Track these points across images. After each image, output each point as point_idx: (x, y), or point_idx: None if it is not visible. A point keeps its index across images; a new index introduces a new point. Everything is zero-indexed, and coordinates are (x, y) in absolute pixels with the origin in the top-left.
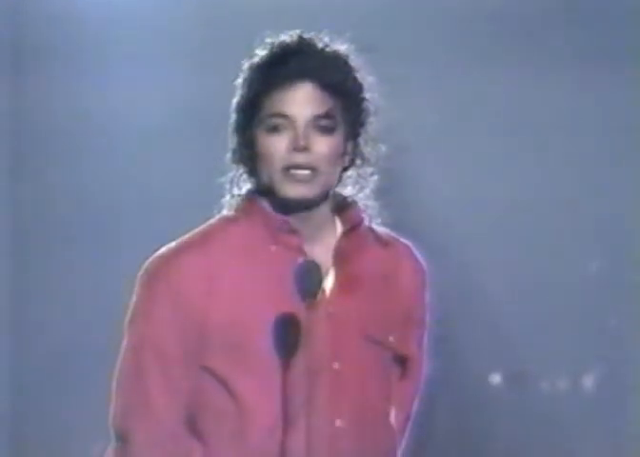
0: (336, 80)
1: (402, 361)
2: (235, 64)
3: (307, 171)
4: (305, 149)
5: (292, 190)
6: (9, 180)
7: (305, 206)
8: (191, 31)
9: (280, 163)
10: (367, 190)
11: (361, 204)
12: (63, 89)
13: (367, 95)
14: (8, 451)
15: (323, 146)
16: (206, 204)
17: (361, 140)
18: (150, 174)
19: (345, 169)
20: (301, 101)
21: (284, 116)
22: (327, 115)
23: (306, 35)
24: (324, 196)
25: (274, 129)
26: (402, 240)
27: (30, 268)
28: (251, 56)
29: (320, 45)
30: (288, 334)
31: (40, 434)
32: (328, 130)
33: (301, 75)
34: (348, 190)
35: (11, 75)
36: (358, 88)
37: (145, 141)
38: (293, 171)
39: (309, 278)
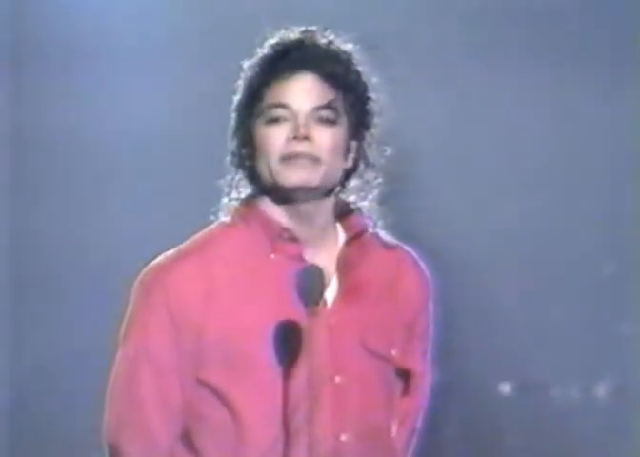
0: (338, 71)
1: (405, 375)
2: (237, 63)
3: (306, 160)
4: (305, 138)
5: (293, 176)
6: (8, 179)
7: (306, 197)
8: (192, 31)
9: (279, 152)
10: (371, 197)
11: (365, 210)
12: (62, 90)
13: (371, 95)
14: (7, 452)
15: (324, 136)
16: (207, 204)
17: (365, 143)
18: (152, 174)
19: (348, 175)
20: (301, 91)
21: (284, 106)
22: (328, 106)
23: (308, 31)
24: (326, 191)
25: (274, 121)
26: (406, 248)
27: (31, 269)
28: (252, 55)
29: (323, 40)
30: (288, 341)
31: (40, 437)
32: (329, 122)
33: (302, 66)
34: (352, 199)
35: (10, 76)
36: (362, 84)
37: (146, 141)
38: (293, 160)
39: (311, 283)
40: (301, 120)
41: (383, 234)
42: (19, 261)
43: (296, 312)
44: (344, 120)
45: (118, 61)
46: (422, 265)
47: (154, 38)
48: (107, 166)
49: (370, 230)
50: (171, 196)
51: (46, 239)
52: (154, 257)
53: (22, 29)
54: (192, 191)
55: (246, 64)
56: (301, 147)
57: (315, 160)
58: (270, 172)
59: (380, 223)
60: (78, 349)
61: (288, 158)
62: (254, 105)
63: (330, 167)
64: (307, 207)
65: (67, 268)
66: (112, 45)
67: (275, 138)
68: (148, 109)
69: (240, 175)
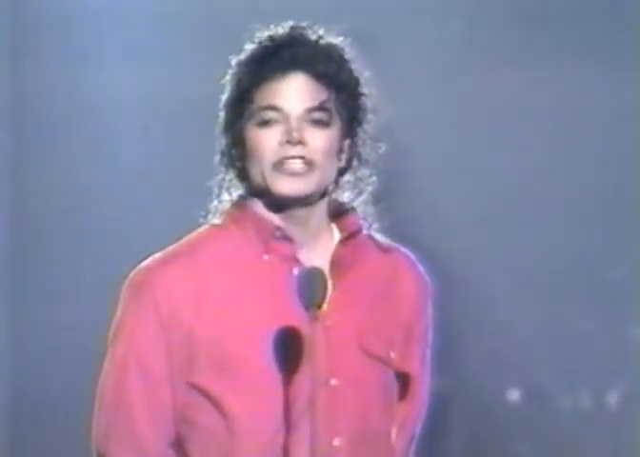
0: (330, 70)
1: (403, 379)
2: (226, 59)
3: (301, 165)
4: (299, 142)
5: (286, 186)
6: (9, 171)
7: (300, 203)
8: (188, 22)
9: (272, 157)
10: (365, 195)
11: (359, 210)
12: (63, 80)
13: (364, 91)
14: (8, 452)
15: (318, 139)
16: (206, 197)
17: (358, 139)
18: (151, 163)
19: (342, 173)
20: (293, 93)
21: (275, 109)
22: (321, 107)
23: (298, 27)
24: (320, 195)
25: (266, 123)
26: (403, 249)
27: (30, 266)
28: (240, 52)
29: (313, 36)
30: (287, 348)
31: (40, 436)
32: (322, 124)
33: (293, 66)
34: (346, 196)
35: (11, 64)
36: (354, 81)
37: (143, 130)
38: (286, 165)
39: (313, 286)
40: (293, 123)
41: (379, 236)
42: (19, 258)
43: (293, 314)
44: (337, 120)
45: (115, 52)
46: (420, 267)
47: (153, 27)
48: (102, 166)
49: (365, 231)
50: (172, 186)
51: (47, 235)
52: (144, 259)
53: (22, 13)
54: (186, 192)
55: (234, 61)
56: (294, 151)
57: (309, 164)
58: (263, 178)
59: (376, 226)
60: (78, 348)
61: (281, 163)
62: (244, 106)
63: (324, 170)
64: (300, 211)
65: (68, 265)
66: (111, 34)
67: (267, 142)
68: (145, 99)
69: (230, 176)
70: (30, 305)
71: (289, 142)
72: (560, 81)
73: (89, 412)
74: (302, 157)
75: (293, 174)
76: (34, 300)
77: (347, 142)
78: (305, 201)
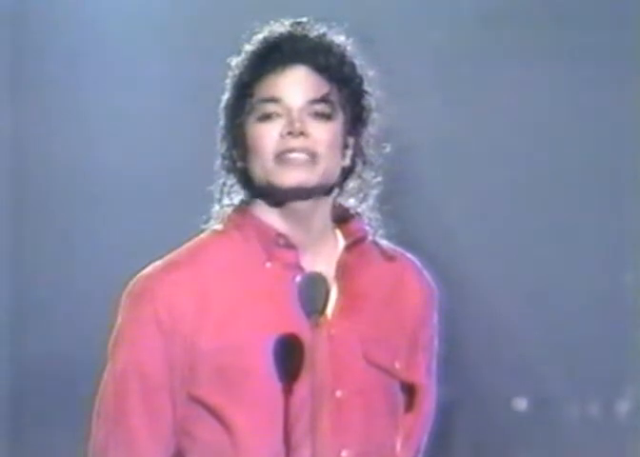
0: (332, 63)
1: (409, 390)
2: (224, 60)
3: (303, 156)
4: (301, 133)
5: (289, 177)
6: (8, 165)
7: (303, 198)
8: (185, 22)
9: (273, 150)
10: (370, 201)
11: (365, 216)
12: (62, 81)
13: (368, 89)
14: (8, 451)
15: (320, 131)
16: (207, 202)
17: (362, 140)
18: (152, 166)
19: (346, 174)
20: (294, 85)
21: (276, 101)
22: (323, 99)
23: (299, 23)
24: (323, 193)
25: (266, 117)
26: (408, 256)
27: (30, 263)
28: (239, 52)
29: (314, 32)
30: (289, 355)
31: (40, 436)
32: (325, 117)
33: (294, 59)
34: (351, 202)
35: (11, 64)
36: (358, 78)
37: (144, 132)
38: (289, 157)
39: (314, 292)
40: (295, 115)
41: (385, 242)
42: (18, 255)
43: (296, 323)
44: (340, 114)
45: (111, 52)
46: (426, 274)
47: (151, 28)
48: (97, 169)
49: (371, 237)
50: (170, 186)
51: (45, 240)
52: (143, 267)
53: (22, 22)
54: (187, 198)
55: (233, 61)
56: (296, 142)
57: (312, 155)
58: (265, 173)
59: (381, 231)
60: (78, 348)
61: (283, 155)
62: (245, 102)
63: (327, 164)
64: (303, 207)
65: (66, 269)
66: (108, 35)
67: (268, 135)
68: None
69: (232, 180)
70: (30, 306)
71: (290, 133)
72: (565, 82)
73: (88, 414)
74: (304, 149)
75: (296, 166)
76: (34, 299)
77: (351, 140)
78: (308, 195)
